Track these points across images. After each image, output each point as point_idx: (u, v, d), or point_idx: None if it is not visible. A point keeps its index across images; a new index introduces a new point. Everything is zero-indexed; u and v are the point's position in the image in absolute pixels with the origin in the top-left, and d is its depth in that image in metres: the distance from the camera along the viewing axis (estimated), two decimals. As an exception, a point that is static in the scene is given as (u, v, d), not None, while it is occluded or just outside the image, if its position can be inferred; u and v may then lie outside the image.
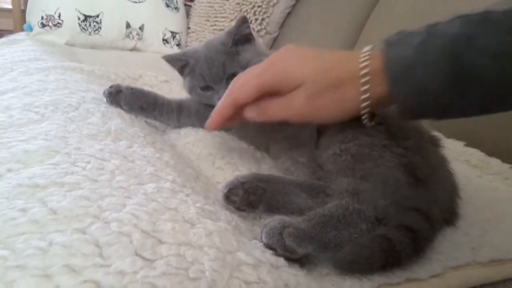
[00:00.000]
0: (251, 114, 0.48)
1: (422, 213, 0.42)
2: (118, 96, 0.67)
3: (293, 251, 0.36)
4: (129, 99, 0.67)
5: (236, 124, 0.53)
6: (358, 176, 0.43)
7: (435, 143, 0.51)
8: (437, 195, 0.46)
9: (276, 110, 0.46)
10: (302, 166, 0.50)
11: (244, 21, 0.68)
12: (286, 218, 0.38)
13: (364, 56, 0.42)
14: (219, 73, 0.66)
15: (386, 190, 0.42)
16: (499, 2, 0.39)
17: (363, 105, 0.42)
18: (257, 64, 0.49)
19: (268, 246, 0.37)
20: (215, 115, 0.50)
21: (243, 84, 0.48)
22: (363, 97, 0.42)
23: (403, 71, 0.39)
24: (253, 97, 0.47)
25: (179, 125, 0.70)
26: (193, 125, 0.69)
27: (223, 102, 0.49)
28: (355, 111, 0.43)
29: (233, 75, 0.62)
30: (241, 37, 0.68)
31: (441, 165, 0.50)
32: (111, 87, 0.68)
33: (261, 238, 0.38)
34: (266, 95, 0.47)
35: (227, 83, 0.63)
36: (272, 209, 0.44)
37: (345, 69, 0.43)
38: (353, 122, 0.45)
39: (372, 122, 0.45)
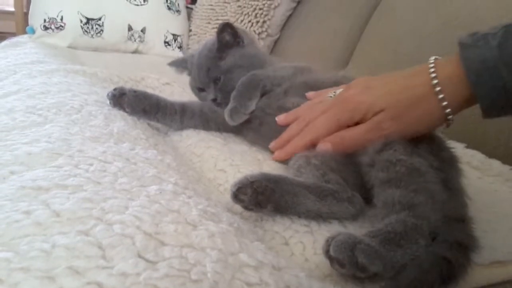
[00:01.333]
0: (325, 147, 0.51)
1: (465, 222, 0.43)
2: (121, 99, 0.67)
3: (364, 269, 0.35)
4: (132, 102, 0.67)
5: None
6: (411, 189, 0.42)
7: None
8: (462, 202, 0.47)
9: (359, 137, 0.49)
10: (313, 168, 0.50)
11: (223, 28, 0.72)
12: (352, 233, 0.37)
13: (432, 67, 0.45)
14: (205, 77, 0.73)
15: (435, 205, 0.42)
16: None
17: (446, 111, 0.45)
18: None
19: (337, 261, 0.36)
20: (290, 149, 0.55)
21: (320, 126, 0.52)
22: (443, 104, 0.44)
23: (486, 71, 0.41)
24: (333, 132, 0.51)
25: (182, 127, 0.70)
26: (196, 127, 0.70)
27: (300, 144, 0.54)
28: (441, 119, 0.46)
29: (217, 79, 0.72)
30: (223, 44, 0.73)
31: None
32: (114, 89, 0.68)
33: (327, 250, 0.37)
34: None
35: (214, 86, 0.72)
36: (280, 210, 0.44)
37: (418, 84, 0.46)
38: None
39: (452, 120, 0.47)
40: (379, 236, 0.38)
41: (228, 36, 0.73)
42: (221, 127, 0.71)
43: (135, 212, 0.36)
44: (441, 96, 0.44)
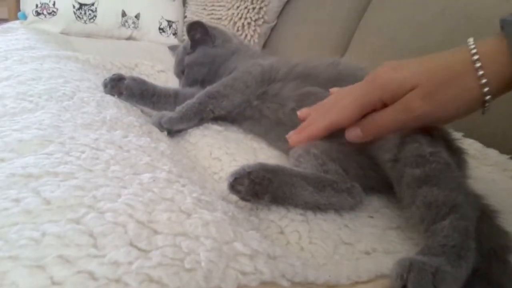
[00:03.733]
0: (355, 134, 0.47)
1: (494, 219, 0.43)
2: (120, 82, 0.69)
3: None
4: (131, 85, 0.69)
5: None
6: (450, 188, 0.41)
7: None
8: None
9: (389, 120, 0.44)
10: (312, 157, 0.50)
11: (191, 26, 0.78)
12: (420, 259, 0.35)
13: (472, 45, 0.41)
14: (176, 68, 0.83)
15: (471, 203, 0.41)
16: None
17: (485, 90, 0.40)
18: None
19: None
20: (305, 136, 0.50)
21: (343, 107, 0.46)
22: (482, 81, 0.40)
23: None
24: (355, 119, 0.46)
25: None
26: None
27: (319, 126, 0.49)
28: (478, 101, 0.41)
29: (182, 72, 0.79)
30: (195, 41, 0.79)
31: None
32: (113, 75, 0.71)
33: (401, 279, 0.34)
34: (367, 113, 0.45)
35: (184, 77, 0.79)
36: (277, 200, 0.44)
37: (457, 61, 0.41)
38: None
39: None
40: (446, 253, 0.36)
41: (199, 34, 0.78)
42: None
43: (127, 200, 0.36)
44: (481, 72, 0.40)
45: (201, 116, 0.65)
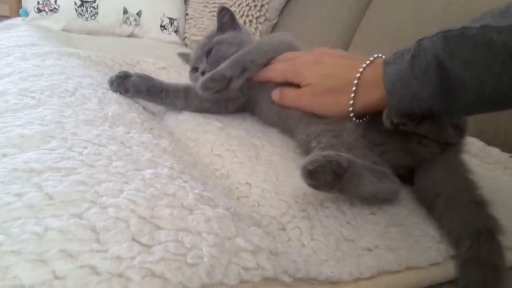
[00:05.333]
0: (275, 97, 0.63)
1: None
2: (126, 80, 0.68)
3: None
4: (138, 82, 0.68)
5: None
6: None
7: None
8: None
9: (290, 99, 0.61)
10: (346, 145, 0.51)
11: (220, 10, 0.79)
12: None
13: (363, 67, 0.52)
14: (200, 52, 0.76)
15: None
16: (476, 19, 0.43)
17: (350, 109, 0.53)
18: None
19: None
20: (262, 76, 0.65)
21: (274, 70, 0.63)
22: (351, 102, 0.53)
23: (399, 82, 0.47)
24: (279, 81, 0.62)
25: (186, 105, 0.70)
26: (201, 104, 0.70)
27: (263, 74, 0.64)
28: (344, 112, 0.54)
29: (208, 52, 0.74)
30: (222, 25, 0.78)
31: None
32: (119, 72, 0.70)
33: None
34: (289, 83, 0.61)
35: (206, 60, 0.73)
36: (344, 191, 0.44)
37: (343, 77, 0.54)
38: None
39: (362, 120, 0.54)
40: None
41: (227, 17, 0.78)
42: (229, 104, 0.71)
43: (130, 195, 0.36)
44: (352, 95, 0.53)
45: (243, 65, 0.62)
